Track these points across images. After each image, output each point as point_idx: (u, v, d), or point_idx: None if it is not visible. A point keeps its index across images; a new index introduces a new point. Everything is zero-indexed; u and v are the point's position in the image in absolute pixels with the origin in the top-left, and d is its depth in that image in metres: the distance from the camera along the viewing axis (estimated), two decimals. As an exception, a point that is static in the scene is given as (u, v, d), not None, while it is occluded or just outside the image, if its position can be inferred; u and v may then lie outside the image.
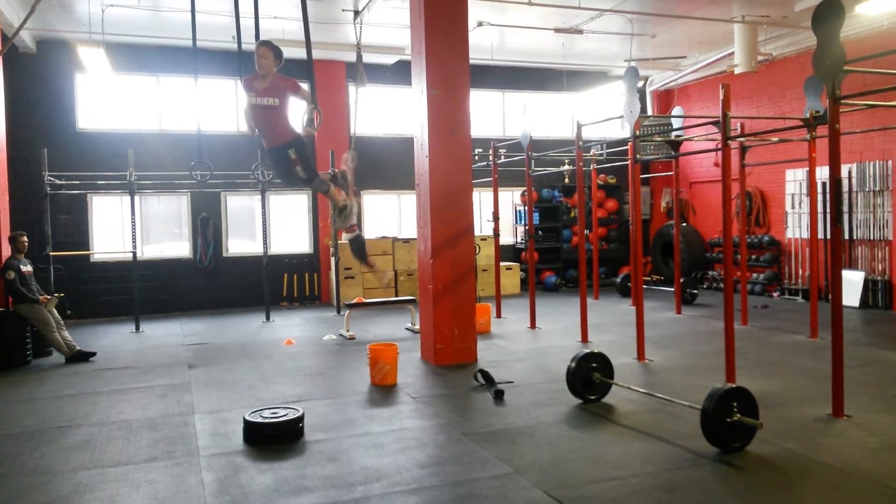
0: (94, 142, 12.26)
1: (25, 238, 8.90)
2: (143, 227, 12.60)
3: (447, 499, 4.14)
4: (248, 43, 10.53)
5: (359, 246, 10.40)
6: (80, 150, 12.09)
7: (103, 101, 12.50)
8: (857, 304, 11.27)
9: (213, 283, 13.05)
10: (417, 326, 9.03)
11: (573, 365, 6.07)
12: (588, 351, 6.17)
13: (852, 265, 11.63)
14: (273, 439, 5.17)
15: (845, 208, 11.65)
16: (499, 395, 6.34)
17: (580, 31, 11.76)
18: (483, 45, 12.55)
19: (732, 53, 11.89)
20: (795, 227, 12.84)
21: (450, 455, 4.91)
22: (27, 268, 8.73)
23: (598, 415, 5.77)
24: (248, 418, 5.30)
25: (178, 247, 13.11)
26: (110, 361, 8.48)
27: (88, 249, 12.28)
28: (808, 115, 7.82)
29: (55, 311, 8.82)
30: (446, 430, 5.47)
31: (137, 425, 5.78)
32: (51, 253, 10.71)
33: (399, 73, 13.34)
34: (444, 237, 7.89)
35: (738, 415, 4.70)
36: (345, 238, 10.39)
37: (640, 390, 6.11)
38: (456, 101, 7.93)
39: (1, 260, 9.00)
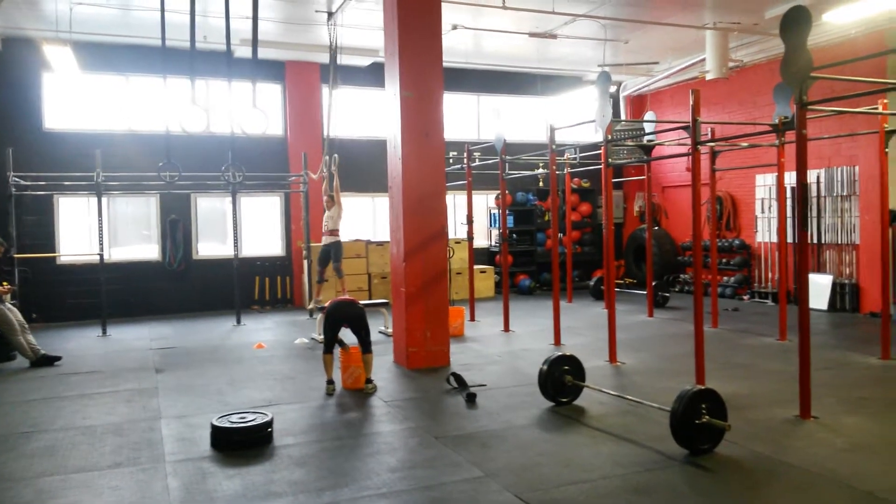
0: (61, 142, 12.03)
1: (2, 249, 8.75)
2: (110, 229, 12.39)
3: (417, 503, 4.11)
4: (218, 43, 10.45)
5: (336, 251, 10.59)
6: (47, 150, 11.86)
7: (71, 100, 12.27)
8: (825, 307, 11.44)
9: (183, 286, 12.87)
10: (391, 330, 8.99)
11: (545, 368, 6.07)
12: (560, 354, 6.18)
13: (820, 269, 11.81)
14: (241, 444, 5.10)
15: (814, 213, 11.84)
16: (471, 399, 6.32)
17: (554, 36, 11.82)
18: (458, 48, 12.56)
19: (704, 59, 12.03)
20: (765, 231, 13.02)
21: (421, 459, 4.87)
22: (-10, 271, 8.54)
23: (570, 417, 5.78)
24: (215, 423, 5.22)
25: (147, 249, 12.91)
26: (76, 366, 8.31)
27: (54, 252, 12.05)
28: (776, 121, 7.92)
29: (19, 314, 8.63)
30: (418, 434, 5.43)
31: (102, 431, 5.67)
32: (15, 255, 10.47)
33: (373, 75, 13.27)
34: (416, 240, 7.86)
35: (707, 417, 4.73)
36: (324, 242, 10.59)
37: (612, 393, 6.13)
38: (429, 103, 7.91)
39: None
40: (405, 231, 7.83)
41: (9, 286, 8.86)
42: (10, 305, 8.61)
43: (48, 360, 8.42)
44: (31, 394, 7.02)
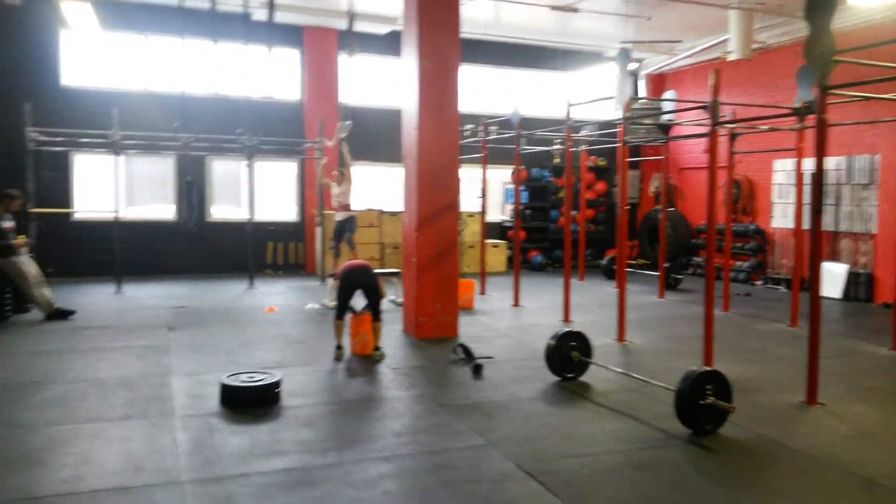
0: (79, 99, 12.07)
1: (19, 202, 8.86)
2: (127, 188, 12.45)
3: (419, 467, 4.17)
4: (236, 4, 10.40)
5: (350, 225, 10.46)
6: (64, 106, 11.91)
7: (89, 57, 12.29)
8: (839, 295, 11.37)
9: (197, 248, 12.97)
10: (401, 299, 9.03)
11: (552, 343, 6.09)
12: (568, 329, 6.19)
13: (836, 257, 11.72)
14: (249, 403, 5.17)
15: (832, 201, 11.71)
16: (477, 370, 6.36)
17: (575, 10, 11.67)
18: (477, 18, 12.40)
19: (727, 40, 11.84)
20: (781, 217, 12.91)
21: (425, 425, 4.93)
22: (8, 223, 8.61)
23: (575, 392, 5.81)
24: (224, 381, 5.29)
25: (163, 209, 13.00)
26: (90, 320, 8.43)
27: (71, 208, 12.15)
28: (798, 105, 7.81)
29: (35, 268, 8.74)
30: (423, 402, 5.49)
31: (114, 384, 5.76)
32: (32, 210, 10.56)
33: (391, 43, 13.18)
34: (429, 211, 7.86)
35: (712, 398, 4.74)
36: (338, 217, 10.44)
37: (618, 370, 6.15)
38: (446, 74, 7.85)
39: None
40: (418, 202, 7.83)
41: (26, 239, 8.97)
42: (26, 258, 8.72)
43: (62, 314, 8.54)
44: (45, 345, 7.14)
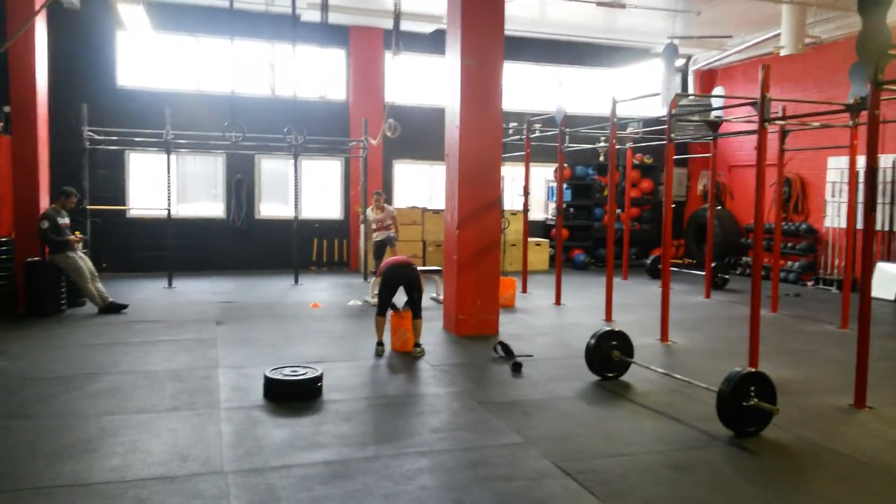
0: (133, 99, 12.45)
1: (75, 199, 9.20)
2: (178, 186, 12.79)
3: (456, 463, 4.20)
4: (284, 6, 10.56)
5: (391, 240, 10.47)
6: (119, 106, 12.29)
7: (143, 59, 12.66)
8: (892, 297, 11.01)
9: (245, 245, 13.25)
10: (442, 297, 9.08)
11: (593, 342, 6.06)
12: (609, 329, 6.15)
13: (891, 257, 11.36)
14: (291, 396, 5.28)
15: (887, 199, 11.35)
16: (517, 368, 6.37)
17: (623, 5, 11.52)
18: (521, 16, 12.37)
19: (779, 35, 11.56)
20: (834, 216, 12.55)
21: (463, 422, 4.96)
22: (64, 220, 8.94)
23: (615, 392, 5.77)
24: (268, 375, 5.42)
25: (213, 207, 13.31)
26: (141, 314, 8.70)
27: (125, 205, 12.54)
28: (851, 101, 7.60)
29: (90, 263, 9.06)
30: (462, 398, 5.52)
31: (162, 376, 5.94)
32: (88, 206, 10.93)
33: (436, 42, 13.22)
34: (470, 209, 7.89)
35: (755, 399, 4.66)
36: (378, 238, 10.49)
37: (659, 370, 6.09)
38: (489, 72, 7.87)
39: (40, 209, 9.26)
40: (460, 200, 7.86)
41: (81, 235, 9.30)
42: (81, 254, 9.04)
43: (115, 308, 8.83)
44: (98, 338, 7.39)
